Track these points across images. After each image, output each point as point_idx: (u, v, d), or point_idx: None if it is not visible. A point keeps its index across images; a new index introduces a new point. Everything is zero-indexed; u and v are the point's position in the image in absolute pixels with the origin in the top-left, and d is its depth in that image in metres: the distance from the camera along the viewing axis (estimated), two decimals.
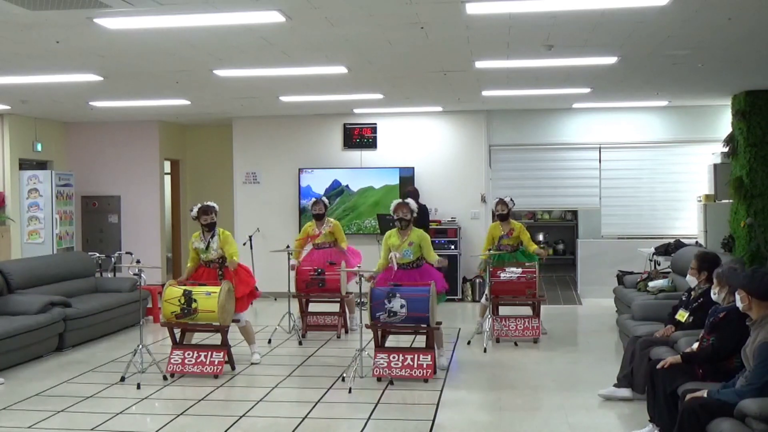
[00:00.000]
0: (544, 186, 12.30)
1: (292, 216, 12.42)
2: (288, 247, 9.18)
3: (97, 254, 10.63)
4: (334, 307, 9.14)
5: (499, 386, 6.78)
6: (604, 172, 12.20)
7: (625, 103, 11.60)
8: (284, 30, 6.14)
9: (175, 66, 7.76)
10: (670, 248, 9.66)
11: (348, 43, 6.76)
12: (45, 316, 7.94)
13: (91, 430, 5.59)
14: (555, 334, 8.95)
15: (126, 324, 9.50)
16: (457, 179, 12.10)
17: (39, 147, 12.44)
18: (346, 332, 9.09)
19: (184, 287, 7.16)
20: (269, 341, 8.59)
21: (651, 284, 8.39)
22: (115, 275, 10.82)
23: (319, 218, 9.04)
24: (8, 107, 10.88)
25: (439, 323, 7.10)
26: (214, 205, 7.58)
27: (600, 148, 12.17)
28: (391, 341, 7.43)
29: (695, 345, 5.11)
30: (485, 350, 8.02)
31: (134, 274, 9.36)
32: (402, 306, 6.76)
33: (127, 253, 11.89)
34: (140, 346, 7.14)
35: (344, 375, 6.84)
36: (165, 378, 6.97)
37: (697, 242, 10.42)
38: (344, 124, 12.37)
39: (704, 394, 4.32)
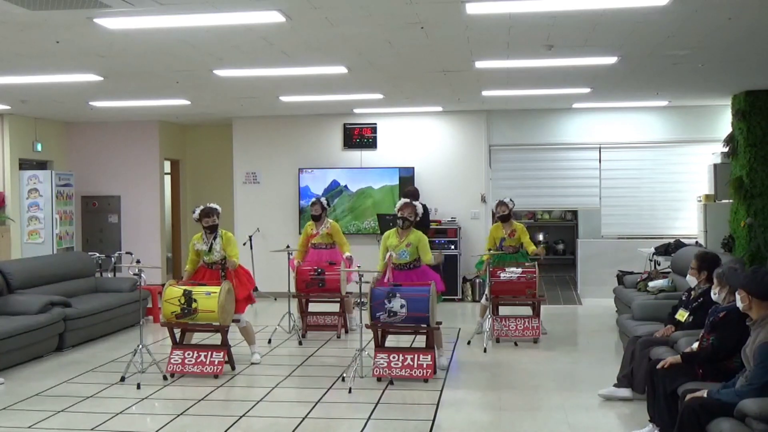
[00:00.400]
0: (544, 186, 12.29)
1: (292, 216, 12.42)
2: (288, 246, 9.18)
3: (97, 254, 10.64)
4: (334, 307, 9.14)
5: (499, 386, 6.78)
6: (604, 172, 12.19)
7: (625, 103, 11.59)
8: (284, 30, 6.14)
9: (175, 66, 7.76)
10: (670, 248, 9.67)
11: (348, 43, 6.76)
12: (45, 316, 7.94)
13: (91, 430, 5.59)
14: (555, 334, 8.95)
15: (126, 324, 9.50)
16: (457, 179, 12.10)
17: (39, 147, 12.44)
18: (346, 332, 9.09)
19: (184, 287, 7.16)
20: (269, 341, 8.59)
21: (651, 284, 8.39)
22: (115, 275, 10.82)
23: (318, 219, 9.03)
24: (8, 107, 10.88)
25: (439, 323, 7.10)
26: (217, 207, 7.56)
27: (600, 148, 12.17)
28: (391, 341, 7.43)
29: (695, 345, 5.11)
30: (485, 350, 8.02)
31: (134, 274, 9.36)
32: (402, 306, 6.76)
33: (127, 253, 11.89)
34: (140, 346, 7.14)
35: (344, 375, 6.84)
36: (165, 378, 6.97)
37: (697, 242, 10.42)
38: (344, 124, 12.37)
39: (704, 394, 4.32)
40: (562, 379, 6.99)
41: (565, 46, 6.97)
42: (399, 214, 7.22)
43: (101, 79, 8.36)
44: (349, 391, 6.47)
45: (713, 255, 6.15)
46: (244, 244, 11.74)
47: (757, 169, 10.01)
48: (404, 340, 7.92)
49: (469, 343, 8.43)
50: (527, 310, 8.81)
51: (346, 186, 12.18)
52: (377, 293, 6.87)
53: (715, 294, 5.19)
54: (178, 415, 5.93)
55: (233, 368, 7.26)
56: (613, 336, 8.76)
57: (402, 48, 6.97)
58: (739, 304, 4.53)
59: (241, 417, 5.87)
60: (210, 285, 7.20)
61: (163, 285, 7.95)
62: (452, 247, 11.65)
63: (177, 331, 7.31)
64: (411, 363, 6.83)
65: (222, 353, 7.10)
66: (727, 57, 7.61)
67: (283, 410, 6.09)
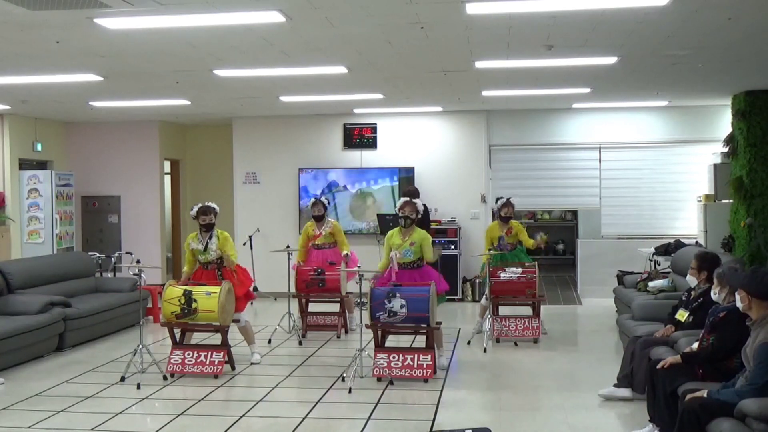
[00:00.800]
0: (544, 186, 12.29)
1: (292, 216, 12.42)
2: (288, 246, 9.18)
3: (97, 254, 10.64)
4: (334, 307, 9.14)
5: (499, 386, 6.78)
6: (604, 172, 12.19)
7: (625, 103, 11.59)
8: (284, 30, 6.14)
9: (175, 66, 7.76)
10: (670, 248, 9.67)
11: (348, 43, 6.76)
12: (45, 316, 7.94)
13: (91, 430, 5.59)
14: (555, 334, 8.95)
15: (126, 324, 9.50)
16: (457, 179, 12.10)
17: (39, 147, 12.44)
18: (346, 332, 9.09)
19: (184, 287, 7.16)
20: (269, 341, 8.59)
21: (651, 284, 8.39)
22: (115, 275, 10.82)
23: (319, 219, 9.03)
24: (8, 107, 10.88)
25: (439, 323, 7.10)
26: (215, 206, 7.56)
27: (600, 148, 12.17)
28: (391, 341, 7.43)
29: (695, 345, 5.11)
30: (485, 350, 8.02)
31: (134, 274, 9.36)
32: (402, 306, 6.75)
33: (127, 253, 11.90)
34: (140, 346, 7.14)
35: (344, 375, 6.84)
36: (165, 378, 6.97)
37: (697, 242, 10.42)
38: (344, 124, 12.37)
39: (704, 394, 4.32)
40: (562, 379, 6.99)
41: (565, 46, 6.97)
42: (400, 213, 7.23)
43: (101, 79, 8.36)
44: (349, 391, 6.48)
45: (713, 255, 6.15)
46: (244, 244, 11.74)
47: (757, 169, 10.01)
48: (404, 340, 7.92)
49: (469, 343, 8.44)
50: (527, 310, 8.81)
51: (345, 186, 12.18)
52: (377, 293, 6.87)
53: (715, 294, 5.20)
54: (178, 415, 5.93)
55: (233, 368, 7.26)
56: (613, 336, 8.76)
57: (402, 48, 6.97)
58: (739, 304, 4.53)
59: (241, 417, 5.87)
60: (210, 285, 7.20)
61: (163, 285, 7.95)
62: (452, 247, 11.65)
63: (177, 331, 7.31)
64: (411, 363, 6.83)
65: (222, 353, 7.10)
66: (727, 57, 7.60)
67: (283, 410, 6.09)
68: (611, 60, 7.62)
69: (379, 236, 11.02)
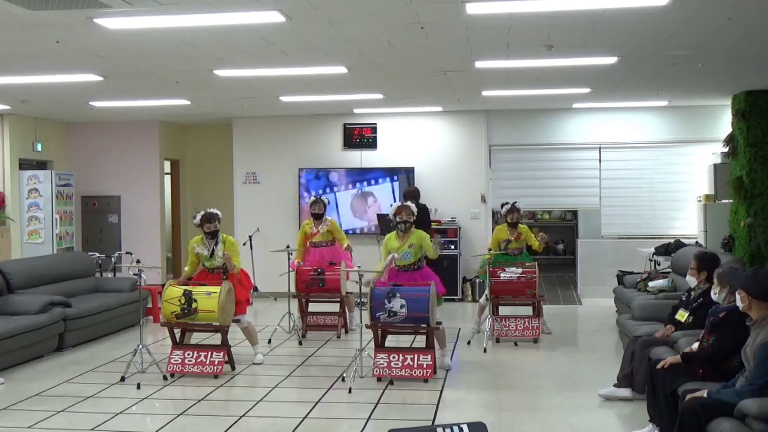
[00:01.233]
0: (544, 186, 12.29)
1: (292, 216, 12.42)
2: (288, 246, 9.18)
3: (97, 254, 10.64)
4: (334, 307, 9.14)
5: (499, 386, 6.78)
6: (604, 172, 12.19)
7: (625, 103, 11.59)
8: (284, 30, 6.14)
9: (175, 66, 7.76)
10: (670, 248, 9.66)
11: (348, 43, 6.76)
12: (45, 316, 7.94)
13: (91, 430, 5.59)
14: (555, 334, 8.94)
15: (126, 324, 9.50)
16: (457, 179, 12.10)
17: (39, 147, 12.43)
18: (346, 332, 9.09)
19: (184, 287, 7.16)
20: (269, 341, 8.59)
21: (651, 284, 8.39)
22: (115, 275, 10.82)
23: (318, 217, 9.03)
24: (8, 107, 10.88)
25: (439, 323, 7.09)
26: (218, 212, 7.49)
27: (600, 148, 12.17)
28: (391, 341, 7.42)
29: (695, 345, 5.11)
30: (485, 350, 8.02)
31: (134, 274, 9.37)
32: (402, 306, 6.76)
33: (127, 253, 11.90)
34: (140, 346, 7.14)
35: (344, 375, 6.84)
36: (165, 378, 6.97)
37: (697, 242, 10.42)
38: (344, 124, 12.37)
39: (704, 394, 4.32)
40: (562, 379, 6.99)
41: (565, 46, 6.97)
42: (398, 219, 7.22)
43: (101, 79, 8.36)
44: (349, 391, 6.48)
45: (713, 255, 6.15)
46: (244, 244, 11.73)
47: (757, 169, 10.00)
48: (404, 340, 7.91)
49: (469, 343, 8.44)
50: (527, 310, 8.81)
51: (345, 186, 12.17)
52: (377, 293, 6.88)
53: (715, 294, 5.20)
54: (178, 415, 5.93)
55: (233, 368, 7.26)
56: (613, 336, 8.76)
57: (402, 48, 6.97)
58: (739, 304, 4.53)
59: (241, 417, 5.87)
60: (210, 285, 7.20)
61: (163, 285, 7.95)
62: (452, 247, 11.65)
63: (177, 331, 7.31)
64: (411, 363, 6.83)
65: (222, 353, 7.10)
66: (727, 57, 7.60)
67: (283, 410, 6.09)
68: (611, 60, 7.62)
69: (379, 236, 11.02)
